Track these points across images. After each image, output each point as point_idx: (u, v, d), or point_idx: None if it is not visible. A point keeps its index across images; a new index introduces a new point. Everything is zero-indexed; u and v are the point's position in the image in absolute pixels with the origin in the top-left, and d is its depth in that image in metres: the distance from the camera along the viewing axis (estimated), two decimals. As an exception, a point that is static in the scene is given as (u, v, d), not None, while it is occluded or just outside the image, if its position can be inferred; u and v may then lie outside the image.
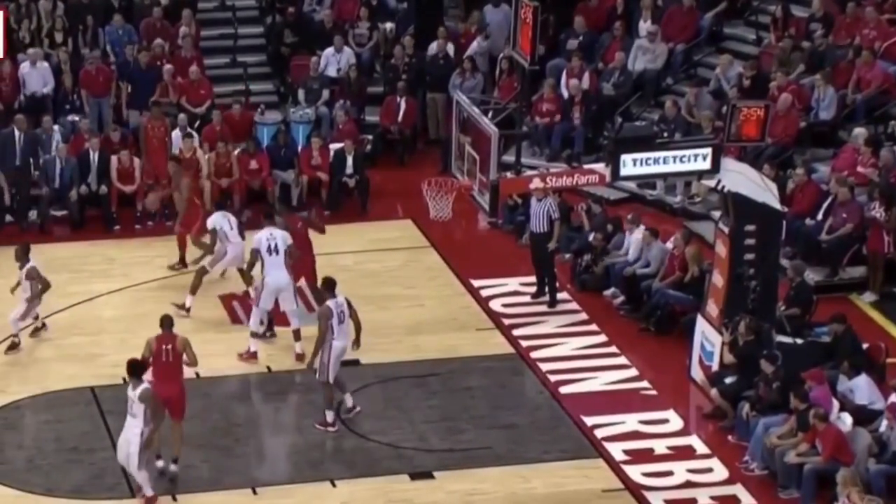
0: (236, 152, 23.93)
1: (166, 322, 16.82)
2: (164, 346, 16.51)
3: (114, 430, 17.51)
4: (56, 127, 24.07)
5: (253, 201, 23.79)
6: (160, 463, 16.70)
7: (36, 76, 24.79)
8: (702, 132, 22.87)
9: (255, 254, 19.13)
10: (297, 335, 19.10)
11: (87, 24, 26.04)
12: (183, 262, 21.48)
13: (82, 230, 23.04)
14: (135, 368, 15.82)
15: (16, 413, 17.98)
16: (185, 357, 16.60)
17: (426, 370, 18.84)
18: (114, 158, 23.51)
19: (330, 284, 17.88)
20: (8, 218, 23.18)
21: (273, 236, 19.11)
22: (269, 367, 19.11)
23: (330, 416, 17.65)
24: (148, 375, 16.01)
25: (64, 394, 18.37)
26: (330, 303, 17.67)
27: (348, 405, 17.89)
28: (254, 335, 19.22)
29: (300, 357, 18.95)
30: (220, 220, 20.42)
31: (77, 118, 24.56)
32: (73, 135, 24.19)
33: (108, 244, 22.64)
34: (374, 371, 18.83)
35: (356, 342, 17.91)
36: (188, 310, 20.03)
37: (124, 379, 17.90)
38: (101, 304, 20.51)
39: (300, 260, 19.51)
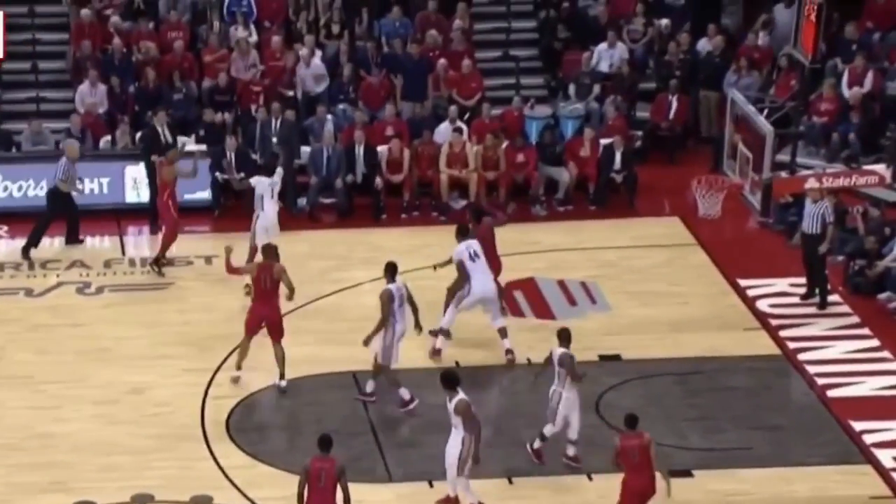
0: (504, 146, 24.15)
1: (269, 252, 18.29)
2: (262, 275, 18.12)
3: (373, 414, 17.95)
4: (329, 117, 24.71)
5: (517, 195, 24.01)
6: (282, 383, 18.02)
7: (309, 77, 25.45)
8: None
9: (460, 266, 19.02)
10: (503, 333, 19.04)
11: (363, 17, 26.63)
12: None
13: (350, 218, 23.57)
14: (449, 380, 15.97)
15: (279, 394, 18.46)
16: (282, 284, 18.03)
17: (689, 368, 18.69)
18: (383, 149, 23.98)
19: (391, 269, 17.96)
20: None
21: (471, 245, 19.07)
22: (528, 359, 19.15)
23: (406, 393, 17.86)
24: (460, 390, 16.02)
25: (326, 377, 18.80)
26: (391, 286, 17.81)
27: (367, 391, 18.07)
28: (440, 332, 19.14)
29: (509, 352, 18.95)
30: (264, 184, 20.53)
31: (349, 108, 25.13)
32: (344, 123, 24.80)
33: (374, 232, 23.10)
34: (636, 367, 18.77)
35: (417, 326, 18.00)
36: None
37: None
38: (365, 292, 20.90)
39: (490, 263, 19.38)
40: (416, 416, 17.83)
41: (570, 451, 16.85)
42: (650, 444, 15.17)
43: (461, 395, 15.81)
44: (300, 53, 25.55)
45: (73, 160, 22.53)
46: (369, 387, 18.22)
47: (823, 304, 20.46)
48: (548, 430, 16.73)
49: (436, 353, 19.10)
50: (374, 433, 17.68)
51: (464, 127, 24.55)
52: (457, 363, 18.91)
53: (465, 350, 19.26)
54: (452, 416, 15.83)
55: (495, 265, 19.60)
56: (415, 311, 18.10)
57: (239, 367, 18.52)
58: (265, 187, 20.59)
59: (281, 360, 18.34)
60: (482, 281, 18.91)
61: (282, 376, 18.40)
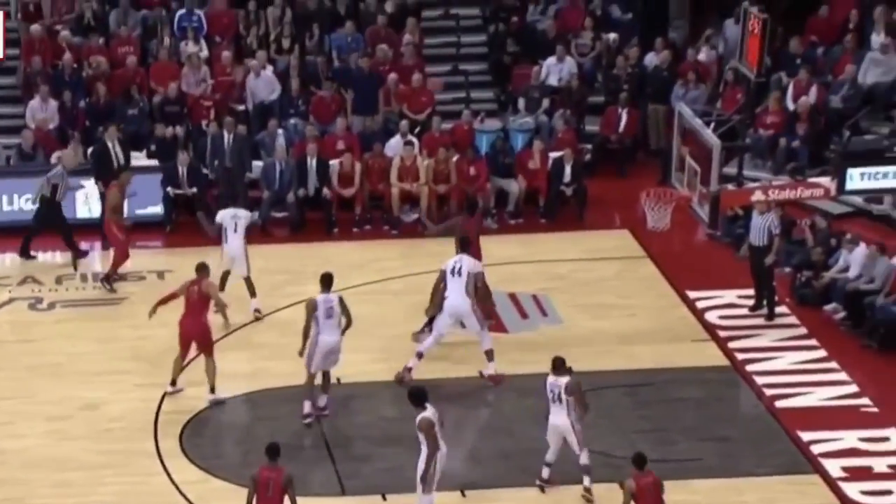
0: (455, 159, 24.23)
1: (200, 268, 18.50)
2: (193, 288, 18.35)
3: (327, 429, 17.95)
4: (280, 131, 24.72)
5: (470, 208, 24.07)
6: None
7: (262, 85, 25.46)
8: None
9: (442, 275, 19.08)
10: (489, 356, 18.98)
11: (314, 32, 26.65)
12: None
13: (302, 232, 23.56)
14: (416, 397, 15.95)
15: (231, 409, 18.44)
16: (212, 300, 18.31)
17: (639, 380, 18.79)
18: (335, 163, 24.00)
19: (325, 280, 17.93)
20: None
21: (460, 260, 19.05)
22: (480, 372, 19.24)
23: (308, 407, 17.87)
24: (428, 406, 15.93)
25: (280, 391, 18.78)
26: (318, 297, 17.77)
27: (319, 405, 17.99)
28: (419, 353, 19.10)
29: (493, 378, 18.93)
30: (226, 217, 20.56)
31: (300, 122, 25.16)
32: (294, 138, 24.81)
33: (327, 246, 23.13)
34: (587, 379, 18.68)
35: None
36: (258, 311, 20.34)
37: (338, 379, 18.48)
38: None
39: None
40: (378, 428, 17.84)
41: (545, 473, 16.87)
42: (661, 482, 15.14)
43: (427, 412, 15.78)
44: (250, 64, 25.55)
45: (68, 169, 22.40)
46: (321, 401, 18.22)
47: (771, 316, 20.62)
48: (583, 458, 16.50)
49: (407, 370, 19.00)
50: (328, 446, 17.68)
51: (415, 141, 24.60)
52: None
53: (423, 362, 19.33)
54: (417, 432, 15.82)
55: (477, 258, 19.69)
56: (347, 325, 18.03)
57: (173, 383, 18.54)
58: (227, 220, 20.54)
59: (210, 373, 18.37)
60: (454, 297, 18.86)
61: (211, 389, 18.42)
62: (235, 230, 20.44)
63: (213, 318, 18.97)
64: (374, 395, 18.61)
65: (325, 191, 23.78)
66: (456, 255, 19.18)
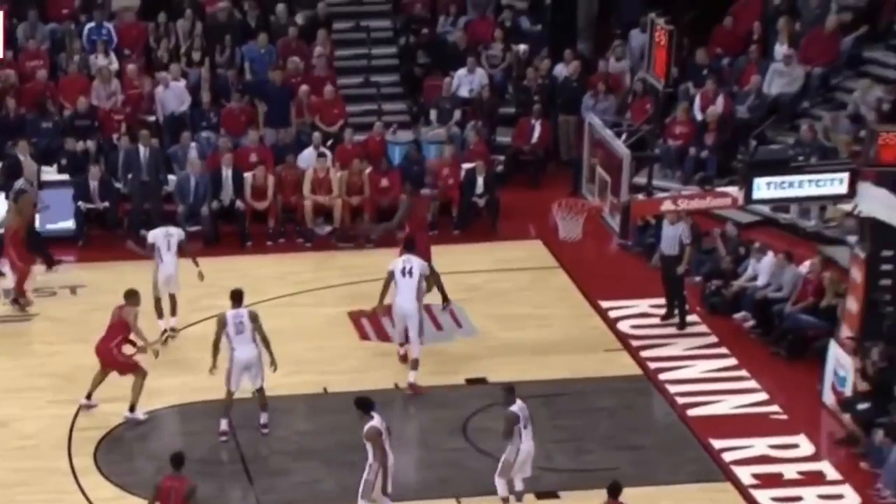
0: (368, 171, 24.20)
1: (128, 294, 18.38)
2: (115, 310, 18.32)
3: (243, 444, 17.86)
4: (193, 144, 24.57)
5: (382, 220, 24.03)
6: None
7: (171, 97, 25.28)
8: (839, 156, 22.67)
9: (390, 275, 19.18)
10: (414, 364, 19.01)
11: (225, 44, 26.52)
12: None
13: (216, 246, 23.43)
14: (363, 404, 15.87)
15: (147, 424, 18.29)
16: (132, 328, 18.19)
17: (553, 390, 18.86)
18: (248, 175, 23.90)
19: (235, 296, 17.87)
20: (143, 233, 23.59)
21: (409, 260, 19.15)
22: (396, 384, 19.25)
23: (224, 424, 17.83)
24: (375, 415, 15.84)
25: (195, 406, 18.68)
26: (227, 312, 17.73)
27: (261, 422, 17.95)
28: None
29: (414, 387, 18.95)
30: (159, 237, 20.32)
31: (212, 135, 25.02)
32: (208, 151, 24.67)
33: (241, 260, 23.04)
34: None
35: (272, 363, 17.78)
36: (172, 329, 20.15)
37: (253, 393, 18.39)
38: (232, 319, 20.83)
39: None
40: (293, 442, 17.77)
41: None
42: None
43: (374, 421, 15.70)
44: (159, 76, 25.37)
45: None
46: (262, 418, 18.08)
47: (683, 325, 20.80)
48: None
49: (402, 358, 19.33)
50: (244, 462, 17.57)
51: (328, 153, 24.55)
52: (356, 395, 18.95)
53: (332, 376, 19.30)
54: (364, 441, 15.74)
55: (423, 242, 19.78)
56: (265, 343, 17.88)
57: (88, 396, 18.40)
58: (161, 239, 20.26)
59: (135, 391, 18.19)
60: (405, 298, 18.98)
61: (131, 408, 18.22)
62: (169, 248, 20.18)
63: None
64: (289, 408, 18.54)
65: (239, 203, 23.67)
66: (401, 255, 19.21)
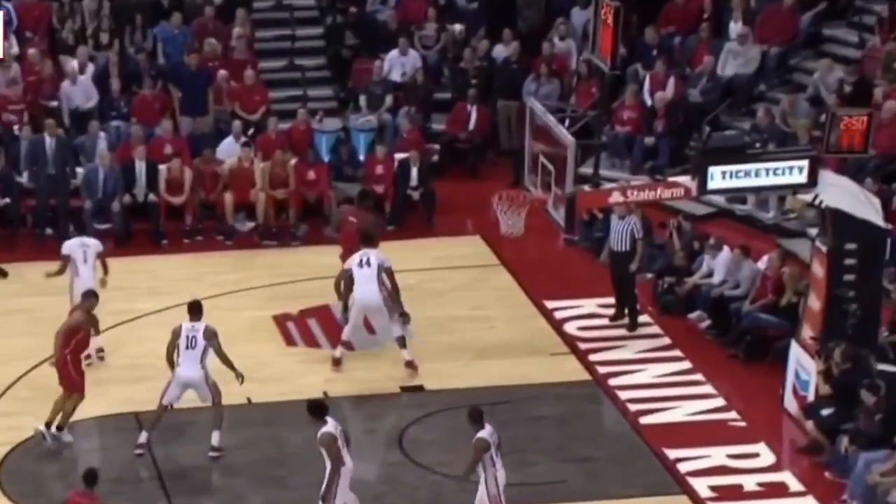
0: (293, 162, 24.09)
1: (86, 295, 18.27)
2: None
3: (159, 458, 17.73)
4: (102, 134, 24.34)
5: (309, 215, 23.96)
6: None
7: (78, 92, 25.01)
8: (798, 142, 22.79)
9: (348, 274, 19.28)
10: (402, 342, 19.40)
11: (136, 24, 26.28)
12: None
13: (128, 244, 23.25)
14: (315, 409, 15.80)
15: (56, 439, 18.08)
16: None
17: (495, 397, 18.81)
18: (162, 168, 23.71)
19: (192, 308, 17.84)
20: (49, 231, 23.43)
21: (366, 253, 19.26)
22: (325, 392, 19.18)
23: (144, 437, 17.81)
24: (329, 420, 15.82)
25: (107, 419, 18.51)
26: (182, 325, 17.67)
27: (213, 443, 17.78)
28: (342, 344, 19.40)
29: (410, 364, 19.29)
30: (74, 248, 19.90)
31: (124, 124, 24.81)
32: (119, 142, 24.44)
33: (155, 260, 22.91)
34: (439, 398, 18.86)
35: (238, 377, 17.73)
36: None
37: (171, 406, 18.23)
38: (146, 324, 20.66)
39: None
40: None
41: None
42: None
43: (328, 426, 15.64)
44: (66, 68, 25.08)
45: None
46: (214, 438, 17.86)
47: (633, 325, 20.84)
48: None
49: (335, 362, 19.51)
50: (161, 479, 17.46)
51: (249, 142, 24.38)
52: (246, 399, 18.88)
53: (257, 385, 19.21)
54: (319, 448, 15.69)
55: (348, 246, 19.91)
56: (223, 361, 17.78)
57: (59, 428, 18.09)
58: (76, 250, 19.89)
59: (55, 408, 17.93)
60: (365, 290, 19.13)
61: (47, 424, 17.93)
62: (85, 261, 19.88)
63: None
64: (209, 421, 18.34)
65: (153, 198, 23.48)
66: (360, 250, 19.34)
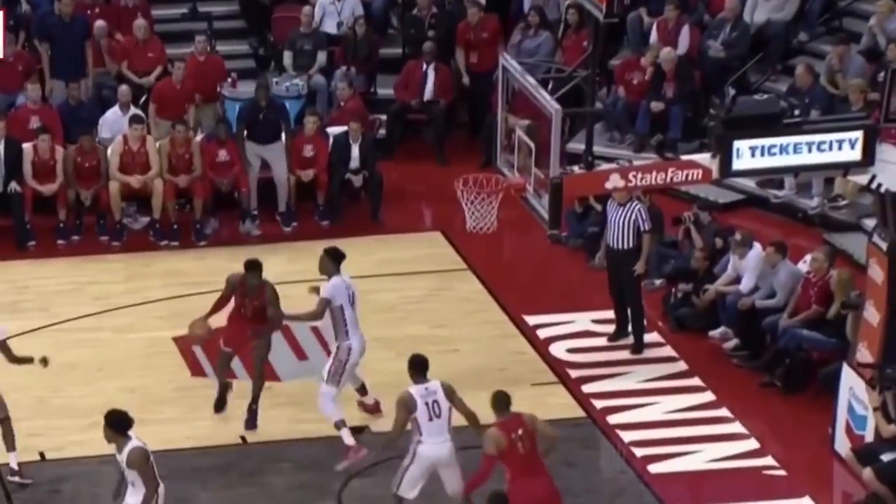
0: (198, 138, 24.05)
1: None
2: None
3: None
4: (-51, 106, 24.41)
5: (220, 207, 23.96)
6: None
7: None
8: (849, 109, 22.90)
9: (326, 304, 19.05)
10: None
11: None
12: None
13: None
14: (115, 424, 15.91)
15: None
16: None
17: (463, 442, 18.77)
18: (27, 147, 23.63)
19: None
20: None
21: (351, 285, 19.04)
22: (243, 438, 19.14)
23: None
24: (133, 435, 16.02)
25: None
26: None
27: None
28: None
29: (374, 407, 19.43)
30: None
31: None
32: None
33: (18, 266, 22.89)
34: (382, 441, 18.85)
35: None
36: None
37: (41, 454, 18.20)
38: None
39: None
40: None
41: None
42: None
43: (136, 441, 15.78)
44: None
45: None
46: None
47: (639, 347, 20.92)
48: None
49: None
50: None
51: (142, 115, 24.41)
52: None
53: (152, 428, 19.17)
54: (125, 469, 15.82)
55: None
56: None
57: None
58: None
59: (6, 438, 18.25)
60: (360, 337, 19.06)
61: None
62: None
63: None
64: (90, 475, 18.42)
65: (15, 187, 23.43)
66: (331, 276, 19.12)
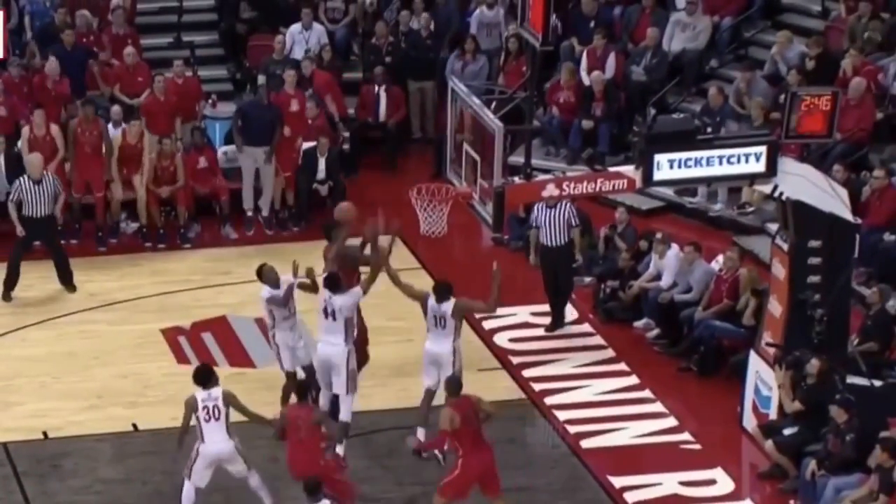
0: (180, 144, 23.89)
1: None
2: None
3: (31, 495, 17.62)
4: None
5: (201, 213, 23.91)
6: None
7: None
8: (754, 126, 22.94)
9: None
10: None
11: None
12: None
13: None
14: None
15: None
16: None
17: (415, 421, 18.78)
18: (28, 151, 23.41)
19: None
20: None
21: (331, 299, 18.72)
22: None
23: None
24: None
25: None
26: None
27: None
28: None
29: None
30: None
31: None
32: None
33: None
34: (354, 420, 18.77)
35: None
36: None
37: (45, 433, 18.12)
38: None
39: None
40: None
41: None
42: None
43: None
44: None
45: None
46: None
47: (556, 324, 21.02)
48: None
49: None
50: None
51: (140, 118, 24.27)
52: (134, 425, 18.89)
53: (144, 409, 19.12)
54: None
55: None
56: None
57: None
58: None
59: None
60: (323, 344, 18.69)
61: None
62: None
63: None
64: (90, 451, 18.34)
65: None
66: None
